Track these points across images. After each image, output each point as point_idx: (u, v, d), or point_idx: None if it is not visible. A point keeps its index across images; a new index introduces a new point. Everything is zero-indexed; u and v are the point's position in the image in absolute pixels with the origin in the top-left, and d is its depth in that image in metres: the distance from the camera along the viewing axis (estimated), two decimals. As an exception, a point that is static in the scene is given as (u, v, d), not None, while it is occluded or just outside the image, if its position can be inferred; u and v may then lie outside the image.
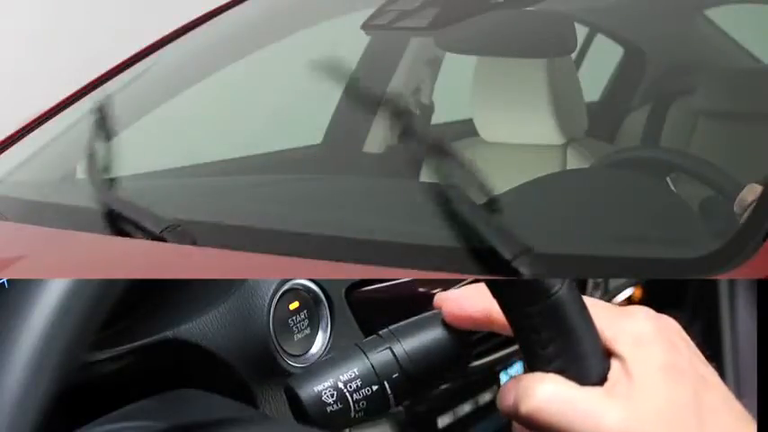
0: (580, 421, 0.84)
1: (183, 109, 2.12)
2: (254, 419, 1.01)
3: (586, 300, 0.90)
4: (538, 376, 0.86)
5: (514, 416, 0.87)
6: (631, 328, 0.88)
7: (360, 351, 1.00)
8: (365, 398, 0.98)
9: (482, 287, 0.92)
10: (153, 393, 1.06)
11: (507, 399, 0.87)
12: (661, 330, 0.88)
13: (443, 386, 1.29)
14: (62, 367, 0.68)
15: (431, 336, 1.01)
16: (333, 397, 0.98)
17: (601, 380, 0.86)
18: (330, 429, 0.98)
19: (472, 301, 0.95)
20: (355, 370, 0.99)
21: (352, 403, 0.98)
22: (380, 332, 1.02)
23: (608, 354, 0.87)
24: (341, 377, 0.98)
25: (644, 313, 0.89)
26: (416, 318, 1.03)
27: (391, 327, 1.02)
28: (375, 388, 0.98)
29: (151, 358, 1.13)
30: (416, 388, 1.00)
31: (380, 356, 0.99)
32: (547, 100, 1.99)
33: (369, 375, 0.99)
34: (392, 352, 0.99)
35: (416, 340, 1.00)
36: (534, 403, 0.85)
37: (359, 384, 0.98)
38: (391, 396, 0.99)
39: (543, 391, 0.85)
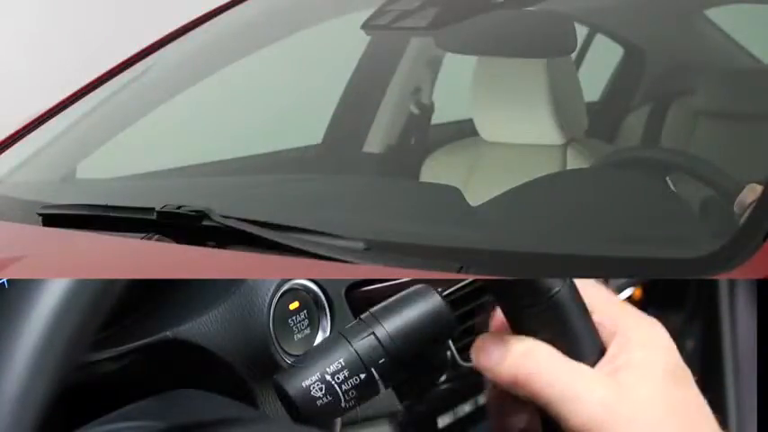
0: (564, 387, 0.83)
1: (182, 109, 2.12)
2: (254, 419, 1.01)
3: (612, 295, 0.89)
4: (530, 340, 0.86)
5: (496, 374, 0.86)
6: (648, 324, 0.88)
7: (344, 339, 1.00)
8: (354, 387, 0.99)
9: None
10: (153, 393, 1.06)
11: (489, 357, 0.86)
12: (673, 346, 0.88)
13: (434, 370, 1.29)
14: (62, 367, 0.68)
15: (412, 313, 1.01)
16: (321, 390, 0.98)
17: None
18: (323, 421, 0.99)
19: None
20: (341, 360, 0.99)
21: (341, 394, 0.98)
22: (362, 316, 1.02)
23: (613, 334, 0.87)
24: (327, 369, 0.98)
25: (660, 325, 0.89)
26: (396, 297, 1.03)
27: (372, 309, 1.02)
28: (363, 376, 0.99)
29: (151, 358, 1.13)
30: (404, 369, 1.00)
31: (365, 343, 0.99)
32: (547, 100, 1.99)
33: (355, 364, 0.99)
34: (375, 337, 0.99)
35: (398, 320, 1.00)
36: (532, 367, 0.84)
37: (346, 375, 0.98)
38: (380, 381, 0.99)
39: (540, 354, 0.85)
